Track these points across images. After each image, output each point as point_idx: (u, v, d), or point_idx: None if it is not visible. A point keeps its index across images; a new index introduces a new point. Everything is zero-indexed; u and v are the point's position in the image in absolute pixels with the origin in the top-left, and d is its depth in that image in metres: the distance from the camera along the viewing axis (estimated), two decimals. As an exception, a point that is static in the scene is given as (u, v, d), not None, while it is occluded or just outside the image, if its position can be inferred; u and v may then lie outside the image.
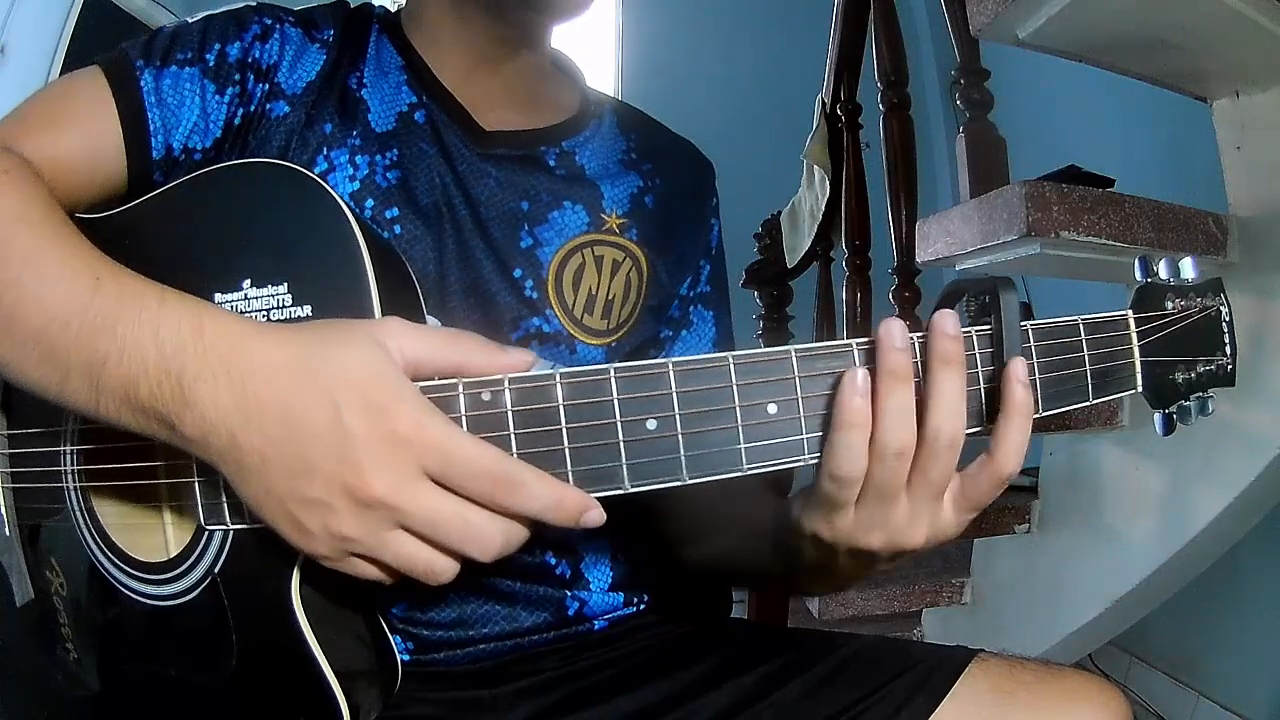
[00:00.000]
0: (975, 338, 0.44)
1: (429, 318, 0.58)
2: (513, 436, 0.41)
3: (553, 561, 0.65)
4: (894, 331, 0.41)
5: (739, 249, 0.84)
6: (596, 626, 0.67)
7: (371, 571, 0.42)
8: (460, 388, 0.42)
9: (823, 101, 1.97)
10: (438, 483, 0.39)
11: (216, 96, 0.59)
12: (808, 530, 0.46)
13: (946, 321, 0.42)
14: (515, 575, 0.63)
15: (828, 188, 1.90)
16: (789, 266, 2.06)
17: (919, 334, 0.43)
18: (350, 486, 0.39)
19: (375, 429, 0.38)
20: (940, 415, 0.41)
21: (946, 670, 0.58)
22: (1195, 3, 1.07)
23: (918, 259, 1.43)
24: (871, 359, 0.42)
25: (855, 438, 0.41)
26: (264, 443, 0.39)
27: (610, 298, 0.65)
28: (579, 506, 0.40)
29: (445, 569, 0.41)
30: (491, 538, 0.40)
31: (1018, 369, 0.42)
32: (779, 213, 2.13)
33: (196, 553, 0.49)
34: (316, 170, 0.59)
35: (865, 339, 0.43)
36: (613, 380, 0.41)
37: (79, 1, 2.24)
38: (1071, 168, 1.29)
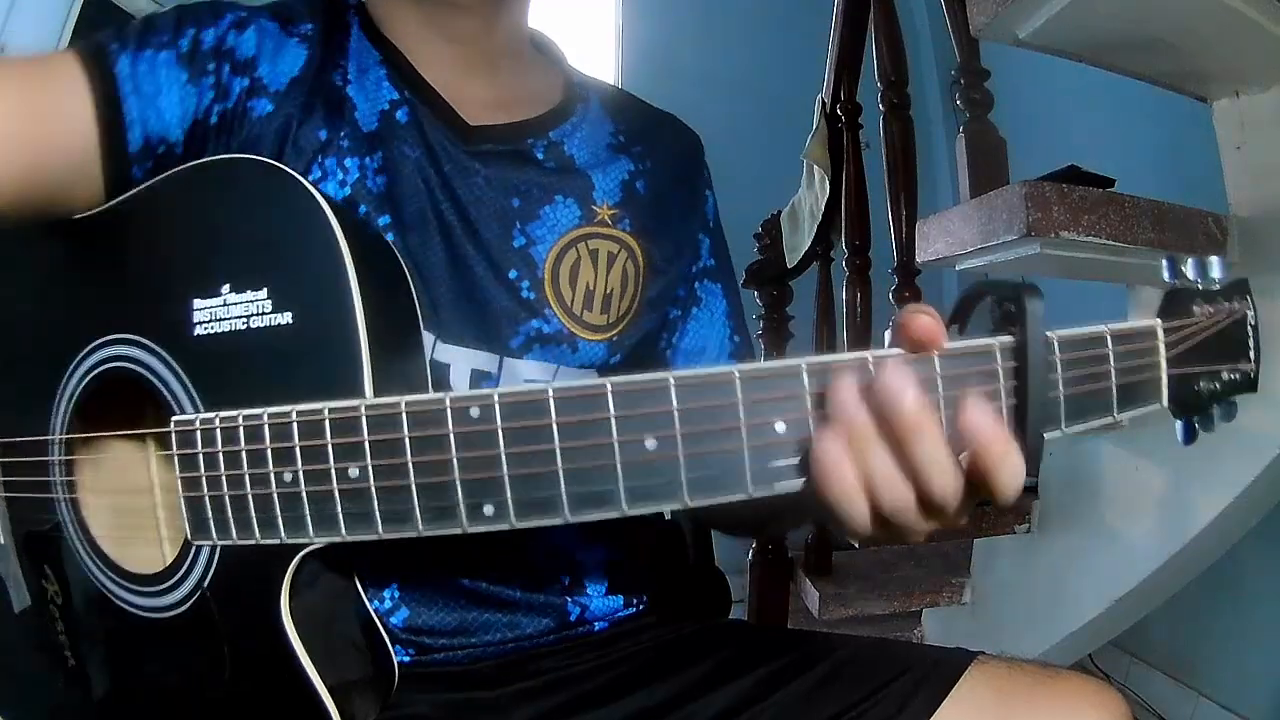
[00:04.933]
0: (999, 350, 0.40)
1: (425, 333, 0.55)
2: (503, 456, 0.39)
3: (551, 570, 0.65)
4: (845, 401, 0.37)
5: (739, 249, 0.83)
6: (597, 628, 0.67)
7: None
8: (448, 402, 0.40)
9: (823, 101, 1.97)
10: None
11: (190, 85, 0.55)
12: (842, 538, 0.46)
13: (896, 384, 0.37)
14: (516, 585, 0.63)
15: (828, 188, 1.90)
16: (789, 266, 2.05)
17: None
18: None
19: None
20: (930, 480, 0.38)
21: (945, 672, 0.58)
22: (1195, 3, 1.07)
23: (918, 259, 1.43)
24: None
25: (847, 488, 0.38)
26: None
27: (609, 291, 0.64)
28: None
29: None
30: None
31: (973, 414, 0.38)
32: (779, 213, 2.13)
33: (186, 565, 0.49)
34: (310, 178, 0.57)
35: (882, 351, 0.40)
36: (609, 396, 0.38)
37: (79, 1, 2.24)
38: (1071, 168, 1.28)
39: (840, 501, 0.38)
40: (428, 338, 0.57)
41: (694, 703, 0.59)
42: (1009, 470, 0.38)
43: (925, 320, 0.39)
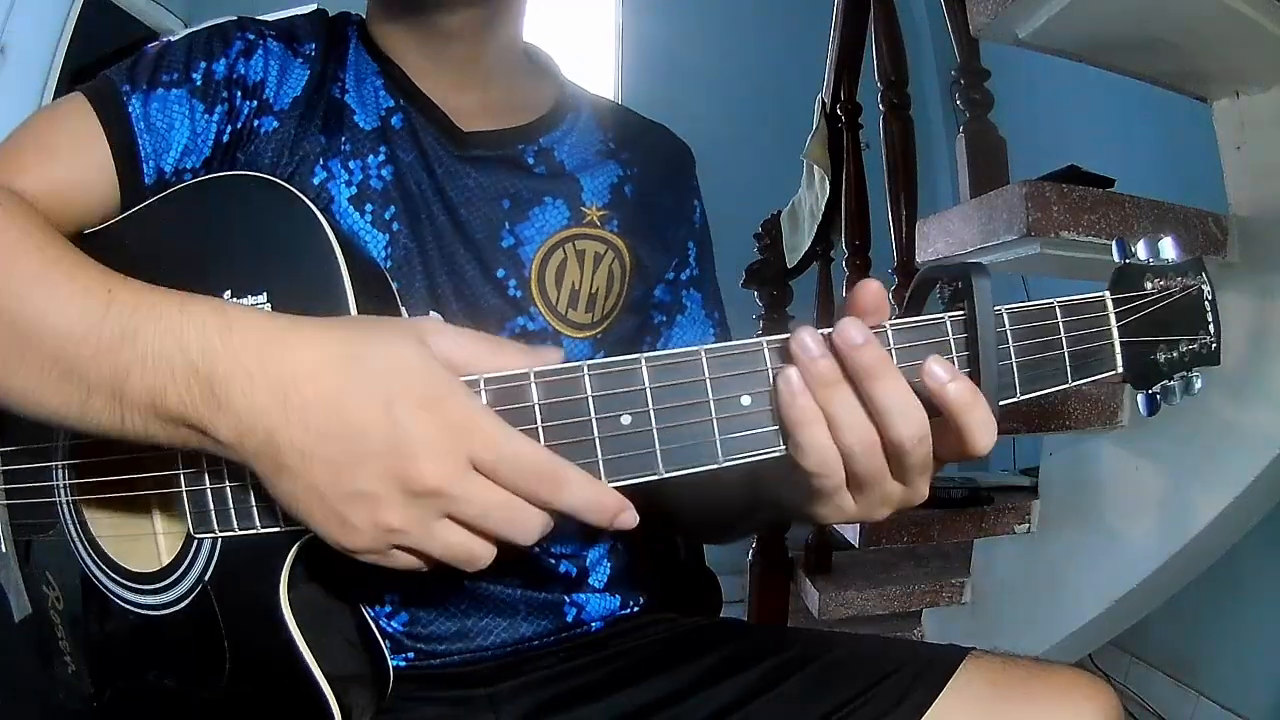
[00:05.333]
0: (950, 323, 0.43)
1: (431, 314, 0.59)
2: None
3: (553, 561, 0.65)
4: (807, 343, 0.40)
5: (739, 249, 0.83)
6: (594, 628, 0.68)
7: (410, 562, 0.42)
8: None
9: (823, 101, 1.97)
10: (485, 475, 0.39)
11: (205, 115, 0.58)
12: (818, 517, 0.46)
13: (852, 332, 0.40)
14: (518, 582, 0.63)
15: (828, 188, 1.90)
16: (789, 266, 2.06)
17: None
18: (403, 476, 0.38)
19: (428, 418, 0.38)
20: (891, 424, 0.41)
21: (941, 667, 0.58)
22: (1195, 3, 1.07)
23: (918, 259, 1.43)
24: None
25: (815, 432, 0.41)
26: (306, 438, 0.39)
27: (594, 291, 0.65)
28: (616, 506, 0.40)
29: (486, 556, 0.41)
30: (535, 525, 0.40)
31: (933, 369, 0.40)
32: (779, 213, 2.13)
33: (187, 561, 0.49)
34: (315, 180, 0.59)
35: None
36: (586, 377, 0.41)
37: (79, 1, 2.25)
38: (1071, 168, 1.29)
39: (804, 437, 0.41)
40: (435, 320, 0.59)
41: (692, 698, 0.59)
42: (978, 416, 0.41)
43: (874, 286, 0.42)
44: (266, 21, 0.63)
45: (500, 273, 0.62)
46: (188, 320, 0.40)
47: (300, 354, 0.39)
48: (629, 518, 0.41)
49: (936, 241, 1.34)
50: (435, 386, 0.39)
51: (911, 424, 0.41)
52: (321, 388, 0.39)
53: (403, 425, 0.38)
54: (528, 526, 0.40)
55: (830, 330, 0.41)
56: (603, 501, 0.40)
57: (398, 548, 0.41)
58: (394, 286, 0.53)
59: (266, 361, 0.39)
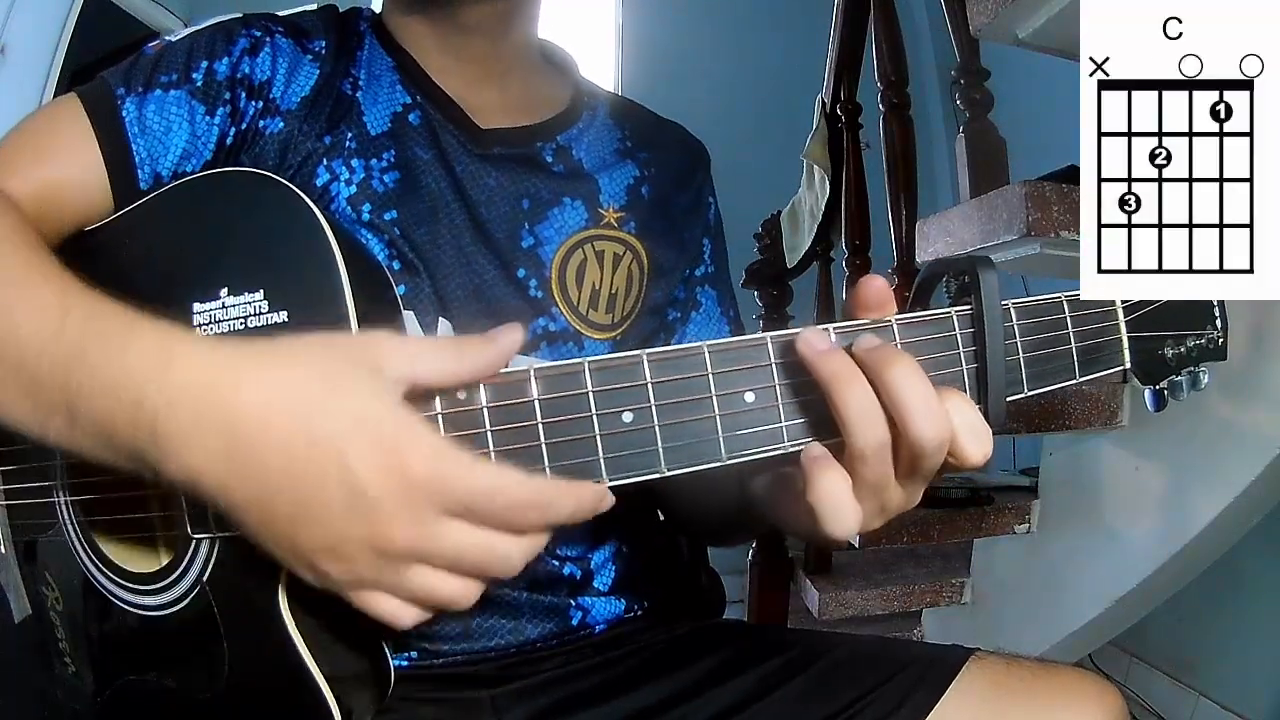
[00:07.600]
0: (956, 317, 0.42)
1: (441, 321, 0.59)
2: (489, 434, 0.40)
3: (557, 563, 0.65)
4: (812, 341, 0.39)
5: (739, 249, 0.84)
6: (597, 630, 0.67)
7: (389, 606, 0.39)
8: None
9: (823, 101, 1.97)
10: (459, 520, 0.37)
11: (206, 118, 0.56)
12: (815, 533, 0.45)
13: (865, 336, 0.40)
14: (524, 586, 0.63)
15: (828, 188, 1.90)
16: (789, 266, 2.06)
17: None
18: (371, 540, 0.36)
19: (390, 479, 0.35)
20: (915, 423, 0.38)
21: (944, 668, 0.58)
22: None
23: (918, 259, 1.43)
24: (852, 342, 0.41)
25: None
26: (263, 492, 0.36)
27: (613, 292, 0.65)
28: (595, 500, 0.38)
29: (466, 597, 0.39)
30: (515, 558, 0.38)
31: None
32: (779, 213, 2.13)
33: (185, 562, 0.49)
34: (319, 182, 0.59)
35: (843, 323, 0.42)
36: (587, 373, 0.40)
37: (79, 1, 2.24)
38: (1071, 168, 1.28)
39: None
40: (444, 327, 0.59)
41: (693, 701, 0.59)
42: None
43: (879, 282, 0.42)
44: (275, 17, 0.62)
45: (521, 273, 0.62)
46: (129, 348, 0.38)
47: (245, 396, 0.36)
48: (609, 500, 0.39)
49: (936, 241, 1.34)
50: (394, 437, 0.36)
51: (936, 426, 0.38)
52: (271, 439, 0.36)
53: (363, 487, 0.35)
54: (508, 561, 0.38)
55: (833, 334, 0.40)
56: (584, 502, 0.38)
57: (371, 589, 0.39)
58: (398, 290, 0.53)
59: (209, 404, 0.36)
